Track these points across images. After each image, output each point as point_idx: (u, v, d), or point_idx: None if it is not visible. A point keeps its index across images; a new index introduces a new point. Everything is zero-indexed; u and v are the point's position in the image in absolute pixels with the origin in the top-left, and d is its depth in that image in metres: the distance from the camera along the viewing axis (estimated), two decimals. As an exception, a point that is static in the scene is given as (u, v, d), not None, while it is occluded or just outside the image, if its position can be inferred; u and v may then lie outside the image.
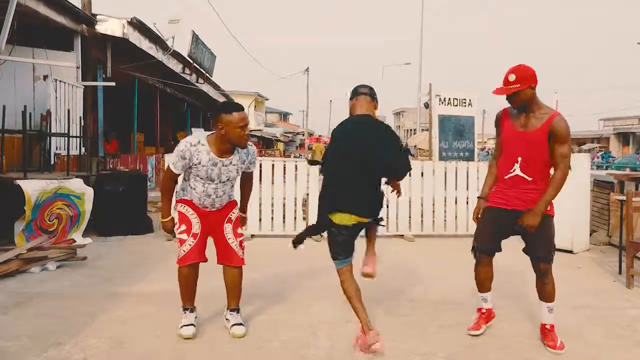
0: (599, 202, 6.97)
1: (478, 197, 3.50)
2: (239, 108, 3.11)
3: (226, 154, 3.18)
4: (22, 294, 4.08)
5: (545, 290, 3.28)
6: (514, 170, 3.22)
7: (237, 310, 3.42)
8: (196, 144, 3.12)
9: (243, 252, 3.42)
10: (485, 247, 3.39)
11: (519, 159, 3.18)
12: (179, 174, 3.24)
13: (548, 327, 3.30)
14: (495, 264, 3.52)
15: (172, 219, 3.35)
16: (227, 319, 3.40)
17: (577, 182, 6.10)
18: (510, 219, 3.25)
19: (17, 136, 6.81)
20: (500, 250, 3.42)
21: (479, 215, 3.43)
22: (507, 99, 3.19)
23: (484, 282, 3.51)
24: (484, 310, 3.53)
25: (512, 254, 3.54)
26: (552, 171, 3.22)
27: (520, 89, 3.08)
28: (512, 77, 3.09)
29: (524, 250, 3.34)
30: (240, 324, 3.35)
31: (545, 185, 3.17)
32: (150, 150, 14.05)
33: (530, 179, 3.18)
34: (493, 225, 3.34)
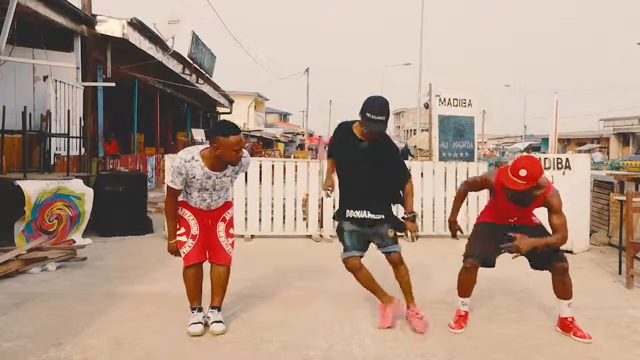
0: (599, 203, 6.97)
1: (450, 220, 3.78)
2: (236, 131, 3.09)
3: (220, 169, 3.21)
4: (22, 294, 4.08)
5: (566, 289, 3.42)
6: (507, 222, 3.49)
7: (219, 309, 3.45)
8: (190, 159, 3.13)
9: (232, 253, 3.47)
10: (477, 253, 3.47)
11: (515, 217, 3.46)
12: (181, 189, 3.26)
13: (570, 319, 3.43)
14: (495, 264, 3.53)
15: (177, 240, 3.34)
16: (207, 317, 3.42)
17: (577, 182, 6.11)
18: (507, 231, 3.41)
19: (17, 137, 6.81)
20: (493, 266, 3.50)
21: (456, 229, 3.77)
22: (508, 188, 3.22)
23: (469, 288, 3.59)
24: (462, 313, 3.61)
25: (510, 256, 3.54)
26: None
27: (526, 187, 3.12)
28: (523, 173, 3.09)
29: (532, 266, 3.49)
30: (220, 322, 3.37)
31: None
32: (150, 150, 14.05)
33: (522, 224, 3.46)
34: (489, 236, 3.47)
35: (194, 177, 3.16)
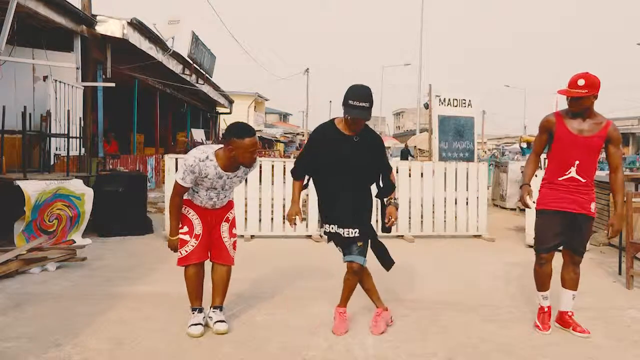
0: (599, 203, 6.96)
1: (523, 184, 3.52)
2: (251, 133, 3.12)
3: (232, 169, 3.24)
4: (21, 294, 4.08)
5: (573, 279, 3.49)
6: (569, 173, 3.37)
7: (221, 308, 3.46)
8: (204, 159, 3.14)
9: (235, 253, 3.48)
10: (549, 246, 3.46)
11: (576, 162, 3.34)
12: (189, 188, 3.26)
13: (570, 314, 3.48)
14: (495, 264, 3.53)
15: (179, 238, 3.34)
16: (210, 317, 3.43)
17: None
18: (567, 220, 3.40)
19: (17, 137, 6.82)
20: (560, 250, 3.52)
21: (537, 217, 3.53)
22: (570, 101, 3.30)
23: (546, 280, 3.56)
24: (545, 309, 3.57)
25: (512, 254, 3.54)
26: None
27: (587, 95, 3.21)
28: (581, 82, 3.21)
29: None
30: (223, 321, 3.38)
31: (593, 186, 3.39)
32: (150, 150, 14.06)
33: (583, 180, 3.36)
34: (553, 226, 3.43)
35: (206, 177, 3.18)
